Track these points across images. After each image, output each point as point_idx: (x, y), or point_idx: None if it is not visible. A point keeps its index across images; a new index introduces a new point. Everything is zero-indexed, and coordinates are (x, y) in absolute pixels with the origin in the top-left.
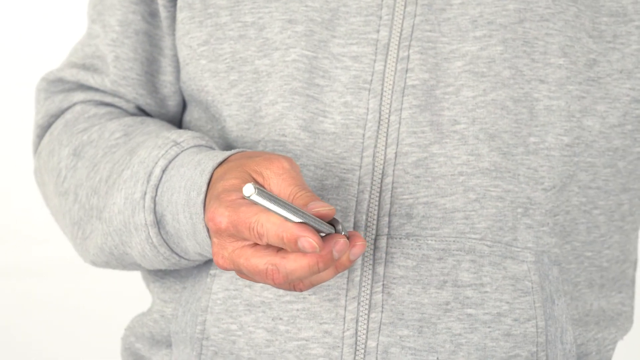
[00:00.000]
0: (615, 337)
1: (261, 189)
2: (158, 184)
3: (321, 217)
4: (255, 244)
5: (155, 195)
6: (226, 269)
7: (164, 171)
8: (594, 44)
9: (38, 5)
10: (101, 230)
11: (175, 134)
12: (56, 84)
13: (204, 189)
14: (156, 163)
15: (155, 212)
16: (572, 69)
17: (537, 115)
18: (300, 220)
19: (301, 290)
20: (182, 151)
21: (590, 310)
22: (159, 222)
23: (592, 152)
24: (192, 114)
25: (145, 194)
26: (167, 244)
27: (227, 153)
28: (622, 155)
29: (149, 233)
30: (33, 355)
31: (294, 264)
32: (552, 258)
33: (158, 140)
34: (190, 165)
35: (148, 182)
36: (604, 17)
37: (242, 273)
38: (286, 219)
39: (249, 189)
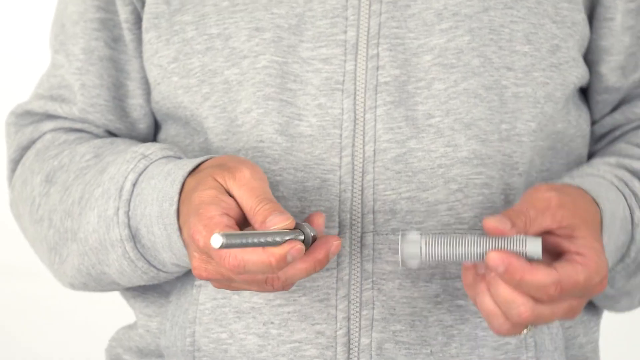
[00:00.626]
0: (598, 318)
1: (229, 235)
2: (130, 198)
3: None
4: None
5: (129, 209)
6: (209, 280)
7: (134, 185)
8: (557, 29)
9: (38, 5)
10: (77, 251)
11: (142, 147)
12: (25, 117)
13: (175, 199)
14: (126, 177)
15: (129, 227)
16: (536, 55)
17: (507, 102)
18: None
19: (282, 289)
20: (150, 163)
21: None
22: (134, 236)
23: (542, 135)
24: (168, 132)
25: (118, 209)
26: (144, 257)
27: (196, 161)
28: (561, 137)
29: (125, 248)
30: (29, 356)
31: (292, 269)
32: None
33: (126, 155)
34: (160, 177)
35: (120, 197)
36: (564, 2)
37: (220, 282)
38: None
39: (216, 240)
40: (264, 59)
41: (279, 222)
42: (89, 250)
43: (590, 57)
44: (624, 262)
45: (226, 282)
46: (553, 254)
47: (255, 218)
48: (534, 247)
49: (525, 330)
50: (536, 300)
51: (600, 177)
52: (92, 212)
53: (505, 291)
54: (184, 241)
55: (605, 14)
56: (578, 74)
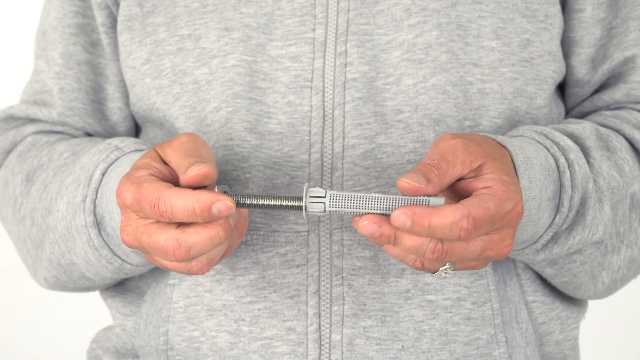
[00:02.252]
0: (578, 316)
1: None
2: (98, 187)
3: (199, 179)
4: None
5: (96, 197)
6: (131, 246)
7: (104, 174)
8: (528, 24)
9: (36, 7)
10: (49, 240)
11: (117, 140)
12: (8, 122)
13: None
14: (96, 167)
15: (95, 214)
16: (505, 51)
17: (471, 99)
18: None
19: (201, 272)
20: (122, 155)
21: (555, 286)
22: (99, 224)
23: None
24: (147, 134)
25: (85, 197)
26: (108, 245)
27: None
28: None
29: (89, 235)
30: (16, 356)
31: (194, 236)
32: None
33: (100, 146)
34: (127, 165)
35: (89, 185)
36: None
37: (147, 253)
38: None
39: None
40: (232, 58)
41: (198, 169)
42: (59, 238)
43: (563, 50)
44: (560, 213)
45: (144, 249)
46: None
47: (179, 172)
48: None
49: (443, 268)
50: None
51: (517, 136)
52: (62, 199)
53: (409, 240)
54: None
55: (575, 5)
56: (556, 69)
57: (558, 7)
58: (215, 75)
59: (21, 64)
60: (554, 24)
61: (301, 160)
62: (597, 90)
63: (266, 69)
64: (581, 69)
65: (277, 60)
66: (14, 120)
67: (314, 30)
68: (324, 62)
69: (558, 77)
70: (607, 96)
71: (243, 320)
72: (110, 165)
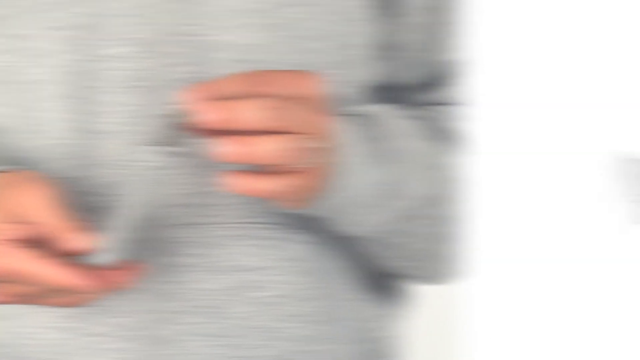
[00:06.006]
0: (393, 313)
1: None
2: None
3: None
4: None
5: None
6: None
7: None
8: (346, 26)
9: None
10: None
11: None
12: None
13: None
14: None
15: None
16: (328, 52)
17: None
18: None
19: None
20: None
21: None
22: None
23: None
24: None
25: None
26: None
27: None
28: None
29: None
30: None
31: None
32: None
33: None
34: None
35: None
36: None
37: None
38: None
39: None
40: (61, 58)
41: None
42: None
43: (383, 53)
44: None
45: None
46: None
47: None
48: None
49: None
50: None
51: None
52: None
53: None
54: None
55: (397, 9)
56: (369, 72)
57: (371, 11)
58: (44, 75)
59: None
60: (366, 27)
61: (135, 159)
62: (413, 92)
63: (94, 69)
64: (403, 73)
65: (106, 60)
66: None
67: (141, 30)
68: (152, 62)
69: (374, 80)
70: (423, 97)
71: (72, 317)
72: None
